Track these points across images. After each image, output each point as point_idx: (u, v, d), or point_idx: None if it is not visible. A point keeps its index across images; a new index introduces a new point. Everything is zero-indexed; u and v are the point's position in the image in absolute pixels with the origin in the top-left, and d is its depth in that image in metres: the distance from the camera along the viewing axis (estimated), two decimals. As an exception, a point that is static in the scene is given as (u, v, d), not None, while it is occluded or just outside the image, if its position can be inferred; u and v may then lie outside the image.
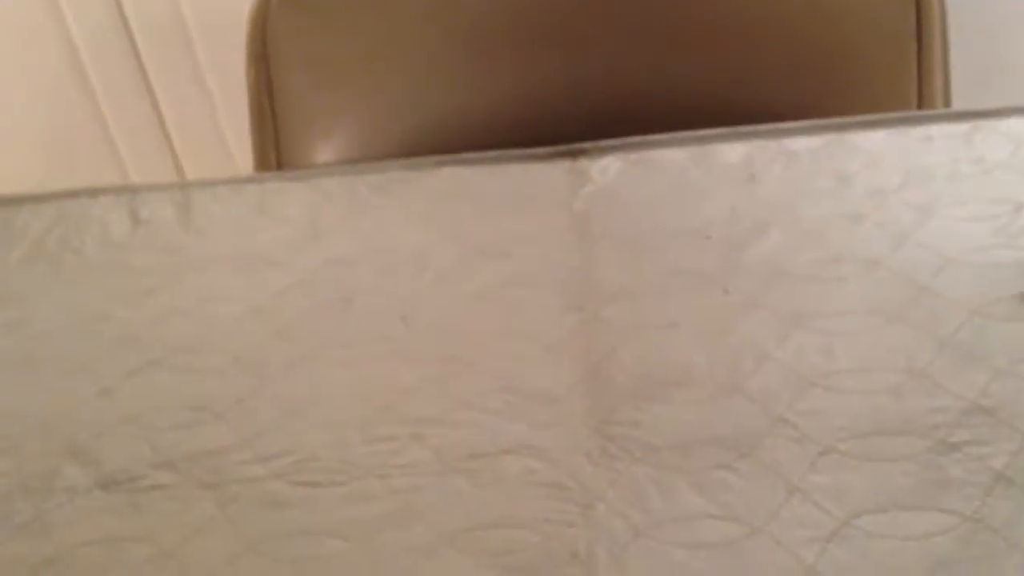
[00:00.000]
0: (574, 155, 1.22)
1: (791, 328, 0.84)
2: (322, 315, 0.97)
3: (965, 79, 1.43)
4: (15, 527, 0.75)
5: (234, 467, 0.78)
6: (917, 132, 1.14)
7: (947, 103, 1.41)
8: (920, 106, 1.38)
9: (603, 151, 1.21)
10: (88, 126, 2.17)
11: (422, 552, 0.68)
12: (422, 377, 0.85)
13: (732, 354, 0.83)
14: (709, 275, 0.94)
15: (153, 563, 0.71)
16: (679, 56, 1.45)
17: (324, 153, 1.52)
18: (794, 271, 0.91)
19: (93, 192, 1.28)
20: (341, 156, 1.50)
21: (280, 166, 1.53)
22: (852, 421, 0.73)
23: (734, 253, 0.96)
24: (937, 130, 1.14)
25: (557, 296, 0.94)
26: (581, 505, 0.69)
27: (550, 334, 0.89)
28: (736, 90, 1.42)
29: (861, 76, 1.41)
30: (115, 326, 1.00)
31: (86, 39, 2.08)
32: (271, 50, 1.50)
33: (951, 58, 1.39)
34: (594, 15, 1.44)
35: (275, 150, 1.53)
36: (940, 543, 0.64)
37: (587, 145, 1.23)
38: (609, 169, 1.17)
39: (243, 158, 1.87)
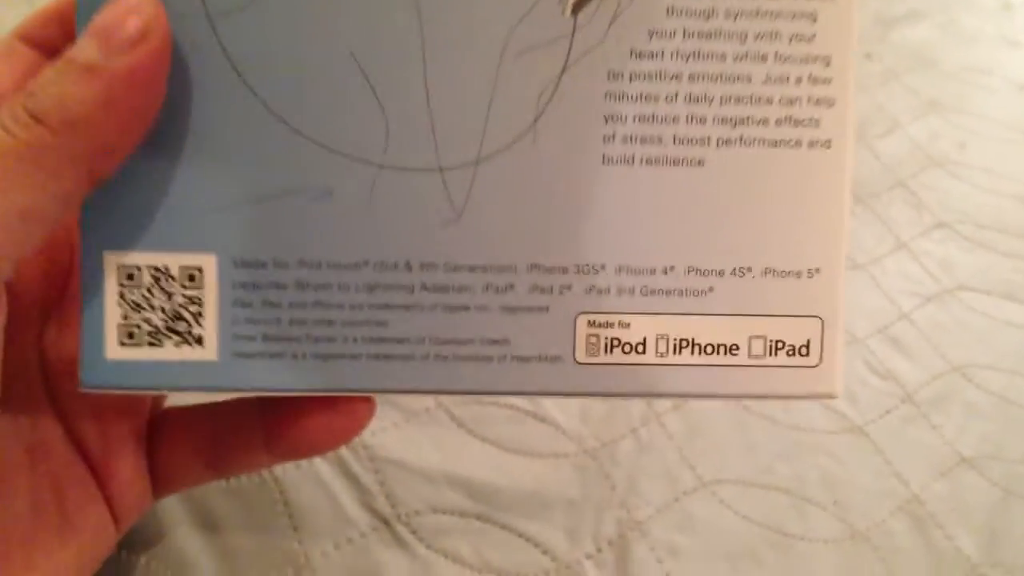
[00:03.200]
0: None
1: (928, 111, 0.73)
2: None
3: None
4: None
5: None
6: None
7: None
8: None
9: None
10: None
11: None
12: None
13: (863, 112, 0.73)
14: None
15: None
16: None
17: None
18: (941, 66, 0.80)
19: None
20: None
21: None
22: (974, 210, 0.64)
23: (883, 27, 0.84)
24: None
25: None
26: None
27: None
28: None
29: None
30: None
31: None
32: None
33: None
34: None
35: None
36: (1041, 338, 0.56)
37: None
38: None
39: None
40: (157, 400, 0.32)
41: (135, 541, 0.36)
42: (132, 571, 0.36)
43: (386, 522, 0.39)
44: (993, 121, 0.74)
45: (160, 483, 0.32)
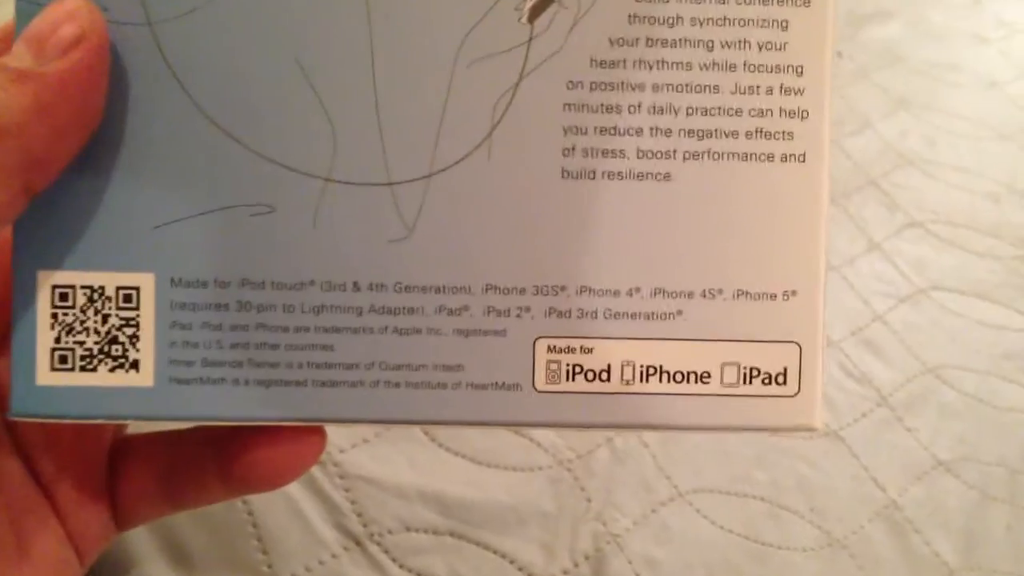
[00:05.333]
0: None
1: (898, 108, 0.70)
2: None
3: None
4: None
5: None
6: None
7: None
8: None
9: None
10: None
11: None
12: None
13: (833, 111, 0.68)
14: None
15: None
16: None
17: None
18: (909, 62, 0.77)
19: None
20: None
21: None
22: (946, 209, 0.61)
23: (853, 25, 0.81)
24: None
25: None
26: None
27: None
28: None
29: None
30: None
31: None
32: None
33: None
34: None
35: None
36: (1013, 338, 0.54)
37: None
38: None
39: None
40: (119, 427, 0.30)
41: (101, 571, 0.33)
42: (98, 600, 0.33)
43: (358, 542, 0.36)
44: (963, 118, 0.71)
45: (123, 515, 0.28)
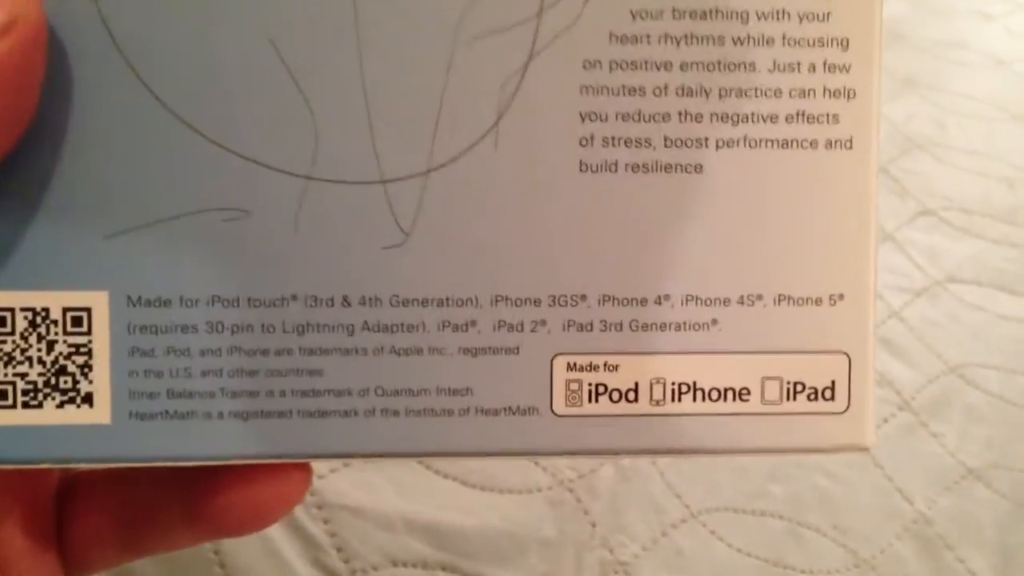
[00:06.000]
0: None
1: (904, 90, 0.68)
2: None
3: None
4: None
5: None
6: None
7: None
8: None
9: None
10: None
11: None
12: None
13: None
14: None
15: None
16: None
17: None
18: (912, 40, 0.75)
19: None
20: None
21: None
22: (959, 195, 0.60)
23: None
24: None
25: None
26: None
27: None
28: None
29: None
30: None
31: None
32: None
33: None
34: None
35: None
36: (1034, 331, 0.52)
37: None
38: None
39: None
40: (66, 463, 0.27)
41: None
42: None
43: (340, 579, 0.34)
44: (972, 99, 0.70)
45: (74, 563, 0.26)
